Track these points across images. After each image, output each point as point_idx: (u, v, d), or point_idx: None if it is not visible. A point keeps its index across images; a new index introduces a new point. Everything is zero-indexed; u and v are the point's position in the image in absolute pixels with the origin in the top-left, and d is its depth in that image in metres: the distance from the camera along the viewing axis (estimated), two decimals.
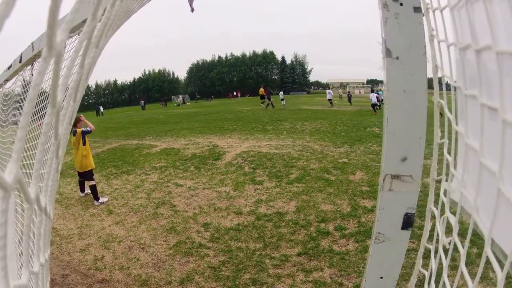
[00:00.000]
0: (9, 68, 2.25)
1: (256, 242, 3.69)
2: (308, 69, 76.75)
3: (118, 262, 3.45)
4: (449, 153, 0.68)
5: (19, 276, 0.30)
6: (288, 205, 4.66)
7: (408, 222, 0.80)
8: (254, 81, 72.97)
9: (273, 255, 3.39)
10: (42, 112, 1.88)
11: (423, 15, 0.74)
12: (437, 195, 0.80)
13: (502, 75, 0.40)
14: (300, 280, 2.95)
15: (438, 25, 0.68)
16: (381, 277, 0.83)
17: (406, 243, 0.81)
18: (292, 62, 75.01)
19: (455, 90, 0.63)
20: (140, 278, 3.13)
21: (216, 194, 5.34)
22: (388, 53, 0.74)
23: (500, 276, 0.40)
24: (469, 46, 0.50)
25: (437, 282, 0.73)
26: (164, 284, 3.02)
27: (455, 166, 0.66)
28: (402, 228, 0.80)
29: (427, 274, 0.77)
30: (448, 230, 0.65)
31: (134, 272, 3.24)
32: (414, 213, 0.79)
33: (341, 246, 3.49)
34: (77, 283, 3.12)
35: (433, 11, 0.69)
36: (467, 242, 0.51)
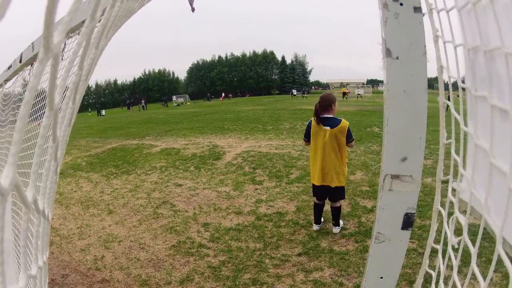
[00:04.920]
0: (9, 68, 2.24)
1: (256, 242, 3.69)
2: (308, 69, 76.75)
3: (118, 262, 3.45)
4: (456, 153, 0.69)
5: (17, 280, 0.30)
6: (288, 205, 4.66)
7: (408, 222, 0.80)
8: (254, 81, 72.95)
9: (273, 255, 3.39)
10: (41, 112, 1.87)
11: (423, 15, 0.74)
12: (441, 195, 0.80)
13: (511, 77, 0.40)
14: (300, 280, 2.95)
15: (444, 26, 0.68)
16: (381, 277, 0.83)
17: (406, 243, 0.81)
18: (292, 62, 74.97)
19: (463, 91, 0.63)
20: (140, 278, 3.13)
21: (216, 194, 5.34)
22: (388, 53, 0.74)
23: None
24: (478, 47, 0.50)
25: (437, 283, 0.73)
26: (164, 284, 3.02)
27: (464, 166, 0.66)
28: (402, 228, 0.80)
29: (434, 274, 0.77)
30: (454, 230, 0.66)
31: (134, 272, 3.24)
32: (414, 213, 0.79)
33: (341, 246, 3.49)
34: (77, 283, 3.12)
35: (438, 12, 0.68)
36: (478, 241, 0.52)
